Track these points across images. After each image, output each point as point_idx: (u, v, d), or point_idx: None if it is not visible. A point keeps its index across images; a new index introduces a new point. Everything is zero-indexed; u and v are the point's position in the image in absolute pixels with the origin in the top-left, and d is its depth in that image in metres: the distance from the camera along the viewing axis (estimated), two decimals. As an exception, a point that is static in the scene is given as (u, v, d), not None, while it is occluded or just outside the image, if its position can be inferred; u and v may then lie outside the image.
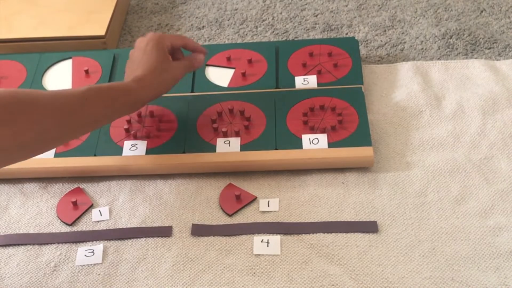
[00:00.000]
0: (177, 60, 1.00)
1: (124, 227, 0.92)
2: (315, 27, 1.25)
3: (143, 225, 0.92)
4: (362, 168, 0.96)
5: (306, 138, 0.97)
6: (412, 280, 0.82)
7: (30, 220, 0.94)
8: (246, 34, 1.25)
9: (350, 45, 1.13)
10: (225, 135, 0.99)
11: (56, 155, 0.99)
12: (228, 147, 0.98)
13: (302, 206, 0.92)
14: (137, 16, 1.32)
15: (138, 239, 0.90)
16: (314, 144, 0.97)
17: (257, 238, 0.88)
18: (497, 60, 1.13)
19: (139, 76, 0.93)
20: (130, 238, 0.90)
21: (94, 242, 0.90)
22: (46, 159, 0.99)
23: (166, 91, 0.96)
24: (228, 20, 1.29)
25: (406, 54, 1.16)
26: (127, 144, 1.00)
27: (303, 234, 0.88)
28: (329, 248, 0.86)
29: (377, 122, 1.02)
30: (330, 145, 0.96)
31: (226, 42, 1.23)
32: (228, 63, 1.13)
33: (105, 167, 0.98)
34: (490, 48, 1.15)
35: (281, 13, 1.29)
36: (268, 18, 1.28)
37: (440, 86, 1.07)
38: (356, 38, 1.18)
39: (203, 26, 1.28)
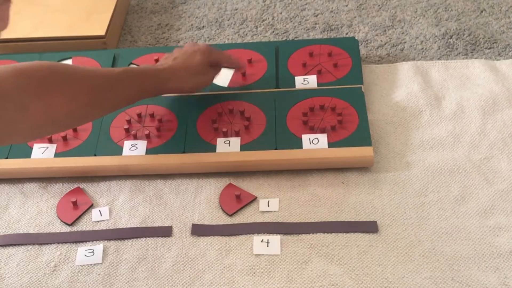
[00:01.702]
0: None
1: (124, 227, 0.92)
2: (315, 27, 1.25)
3: (143, 225, 0.92)
4: (362, 168, 0.96)
5: (306, 138, 0.97)
6: (412, 280, 0.82)
7: (30, 220, 0.94)
8: (246, 34, 1.25)
9: (350, 45, 1.13)
10: (225, 135, 0.99)
11: (56, 155, 0.99)
12: (228, 147, 0.98)
13: (302, 206, 0.92)
14: (137, 16, 1.32)
15: (138, 239, 0.90)
16: (314, 144, 0.97)
17: (257, 238, 0.88)
18: (497, 60, 1.13)
19: (173, 66, 0.98)
20: (130, 238, 0.90)
21: (94, 242, 0.90)
22: (46, 159, 0.99)
23: (193, 90, 1.02)
24: (228, 20, 1.29)
25: (406, 54, 1.16)
26: (127, 144, 1.00)
27: (303, 234, 0.88)
28: (329, 248, 0.86)
29: (377, 122, 1.02)
30: (330, 145, 0.96)
31: (226, 42, 1.23)
32: (228, 63, 1.13)
33: (105, 167, 0.98)
34: (490, 48, 1.15)
35: (281, 13, 1.29)
36: (268, 18, 1.28)
37: (440, 86, 1.07)
38: (356, 38, 1.18)
39: (203, 26, 1.28)
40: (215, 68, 1.04)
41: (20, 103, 0.78)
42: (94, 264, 0.88)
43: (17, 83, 0.79)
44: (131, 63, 1.14)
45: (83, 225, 0.93)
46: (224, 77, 1.10)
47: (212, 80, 1.04)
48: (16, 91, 0.78)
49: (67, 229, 0.93)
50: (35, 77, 0.81)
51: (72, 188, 0.98)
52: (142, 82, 0.94)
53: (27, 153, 1.00)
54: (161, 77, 0.96)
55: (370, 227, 0.88)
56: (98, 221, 0.93)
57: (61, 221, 0.94)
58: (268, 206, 0.92)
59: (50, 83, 0.83)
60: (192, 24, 1.29)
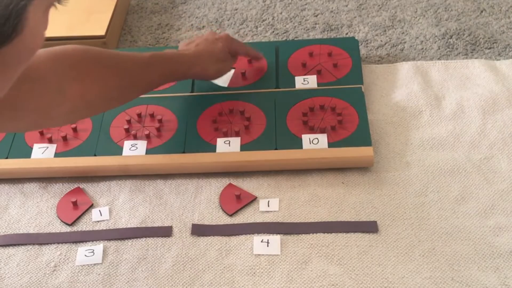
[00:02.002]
0: None
1: (124, 227, 0.92)
2: (315, 27, 1.25)
3: (143, 225, 0.92)
4: (362, 168, 0.96)
5: (306, 138, 0.97)
6: (412, 280, 0.81)
7: (30, 220, 0.94)
8: (246, 34, 1.25)
9: (350, 45, 1.13)
10: (225, 135, 0.99)
11: (56, 155, 0.99)
12: (228, 147, 0.98)
13: (302, 206, 0.92)
14: (137, 16, 1.32)
15: (138, 239, 0.90)
16: (314, 144, 0.97)
17: (257, 238, 0.88)
18: (497, 60, 1.13)
19: (198, 51, 1.00)
20: (130, 238, 0.90)
21: (94, 242, 0.90)
22: (46, 159, 0.99)
23: (215, 76, 1.04)
24: (228, 20, 1.29)
25: (406, 54, 1.16)
26: (127, 144, 1.00)
27: (303, 234, 0.88)
28: (329, 248, 0.86)
29: (377, 122, 1.02)
30: (330, 145, 0.96)
31: (226, 42, 1.23)
32: (228, 63, 1.13)
33: (105, 167, 0.98)
34: (490, 48, 1.15)
35: (281, 13, 1.29)
36: (268, 18, 1.28)
37: (440, 86, 1.07)
38: (356, 38, 1.18)
39: (203, 26, 1.28)
40: (233, 57, 1.06)
41: (57, 86, 0.80)
42: (94, 264, 0.88)
43: (53, 67, 0.81)
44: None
45: (83, 225, 0.93)
46: (224, 77, 1.10)
47: (230, 68, 1.06)
48: (53, 74, 0.80)
49: (67, 229, 0.93)
50: (70, 60, 0.84)
51: (72, 188, 0.98)
52: (168, 66, 0.96)
53: (27, 153, 1.00)
54: (187, 62, 0.98)
55: (370, 227, 0.88)
56: (98, 221, 0.93)
57: (61, 221, 0.94)
58: (268, 206, 0.92)
59: (84, 66, 0.85)
60: (192, 24, 1.29)
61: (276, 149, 0.97)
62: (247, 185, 0.96)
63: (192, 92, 1.08)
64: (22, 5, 0.53)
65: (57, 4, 0.62)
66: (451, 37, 1.18)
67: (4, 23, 0.52)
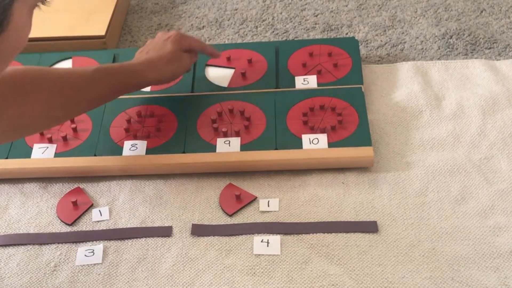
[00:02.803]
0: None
1: (124, 227, 0.92)
2: (315, 27, 1.25)
3: (143, 225, 0.92)
4: (362, 168, 0.96)
5: (306, 138, 0.97)
6: (412, 280, 0.81)
7: (30, 220, 0.94)
8: (246, 34, 1.25)
9: (350, 45, 1.13)
10: (225, 135, 0.99)
11: (56, 155, 0.99)
12: (228, 147, 0.98)
13: (302, 206, 0.92)
14: (137, 16, 1.32)
15: (138, 239, 0.90)
16: (314, 144, 0.97)
17: (257, 238, 0.88)
18: (497, 60, 1.13)
19: (148, 58, 0.98)
20: (130, 238, 0.90)
21: (94, 242, 0.90)
22: (46, 159, 0.99)
23: (172, 77, 1.02)
24: (228, 20, 1.29)
25: (406, 54, 1.16)
26: (127, 144, 1.00)
27: (303, 234, 0.88)
28: (329, 248, 0.86)
29: (377, 122, 1.02)
30: (330, 145, 0.96)
31: (226, 42, 1.23)
32: (228, 63, 1.13)
33: (105, 167, 0.98)
34: (490, 48, 1.15)
35: (281, 13, 1.29)
36: (268, 18, 1.28)
37: (440, 86, 1.07)
38: (356, 38, 1.18)
39: (203, 26, 1.28)
40: (190, 53, 1.04)
41: None
42: (94, 264, 0.88)
43: None
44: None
45: (83, 225, 0.93)
46: (224, 77, 1.10)
47: (189, 65, 1.04)
48: None
49: (67, 229, 0.93)
50: (8, 83, 0.83)
51: (72, 188, 0.98)
52: (117, 79, 0.95)
53: (27, 153, 1.00)
54: (137, 71, 0.97)
55: (370, 227, 0.88)
56: (98, 221, 0.93)
57: (61, 221, 0.94)
58: (268, 206, 0.92)
59: (24, 87, 0.84)
60: (192, 24, 1.29)
61: (276, 149, 0.97)
62: (247, 185, 0.96)
63: (192, 92, 1.08)
64: (8, 1, 0.54)
65: (41, 5, 0.62)
66: (451, 37, 1.18)
67: None
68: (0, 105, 0.81)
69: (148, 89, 1.08)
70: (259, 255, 0.86)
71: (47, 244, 0.91)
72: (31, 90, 0.85)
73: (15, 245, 0.91)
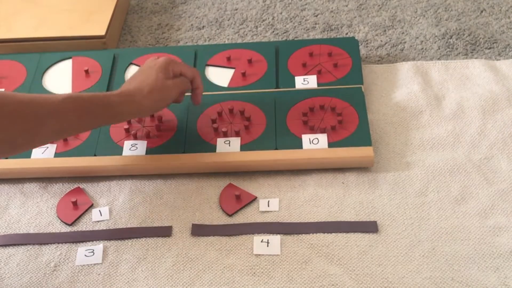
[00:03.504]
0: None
1: (124, 227, 0.92)
2: (315, 27, 1.25)
3: (143, 225, 0.92)
4: (362, 168, 0.96)
5: (306, 138, 0.97)
6: (412, 280, 0.81)
7: (30, 220, 0.94)
8: (246, 34, 1.25)
9: (350, 45, 1.13)
10: (225, 135, 0.99)
11: (56, 155, 0.99)
12: (228, 147, 0.98)
13: (302, 206, 0.92)
14: (137, 16, 1.32)
15: (138, 239, 0.90)
16: (314, 144, 0.97)
17: (257, 238, 0.88)
18: (497, 60, 1.13)
19: (126, 90, 0.91)
20: (130, 238, 0.90)
21: (94, 242, 0.90)
22: (46, 159, 0.99)
23: (154, 109, 0.95)
24: (228, 20, 1.29)
25: (406, 54, 1.16)
26: (127, 144, 1.00)
27: (303, 234, 0.88)
28: (329, 248, 0.86)
29: (377, 122, 1.02)
30: (330, 145, 0.96)
31: (226, 42, 1.23)
32: (228, 63, 1.13)
33: (105, 167, 0.98)
34: (490, 48, 1.15)
35: (281, 13, 1.29)
36: (268, 18, 1.28)
37: (440, 86, 1.07)
38: (356, 38, 1.18)
39: (203, 26, 1.28)
40: (177, 81, 0.95)
41: None
42: (94, 264, 0.88)
43: None
44: (131, 63, 1.14)
45: (83, 225, 0.93)
46: (224, 77, 1.10)
47: (175, 95, 0.95)
48: None
49: (67, 229, 0.93)
50: None
51: (72, 188, 0.98)
52: (88, 111, 0.86)
53: (27, 153, 1.00)
54: (112, 104, 0.89)
55: (370, 227, 0.88)
56: (98, 221, 0.93)
57: (61, 221, 0.94)
58: (268, 206, 0.92)
59: None
60: (192, 24, 1.29)
61: (276, 149, 0.97)
62: (247, 185, 0.96)
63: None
64: None
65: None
66: (451, 37, 1.18)
67: None
68: None
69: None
70: (259, 255, 0.86)
71: (47, 244, 0.91)
72: None
73: (15, 245, 0.91)
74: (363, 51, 1.17)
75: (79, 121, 0.86)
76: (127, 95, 0.90)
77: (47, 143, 0.92)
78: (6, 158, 0.99)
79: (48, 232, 0.92)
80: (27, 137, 0.82)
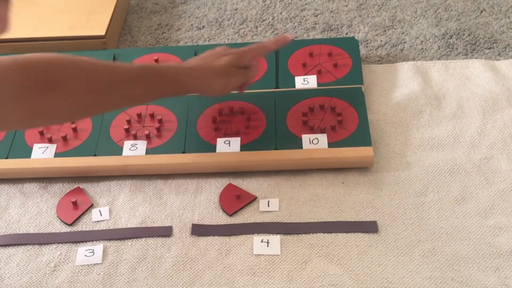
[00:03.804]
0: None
1: (124, 227, 0.92)
2: (315, 27, 1.25)
3: (143, 225, 0.92)
4: (362, 168, 0.96)
5: (306, 138, 0.97)
6: (412, 280, 0.81)
7: (30, 220, 0.94)
8: (246, 34, 1.25)
9: (350, 45, 1.13)
10: (225, 135, 0.99)
11: (56, 155, 0.99)
12: (228, 147, 0.98)
13: (302, 206, 0.92)
14: (137, 16, 1.32)
15: (138, 239, 0.90)
16: (314, 144, 0.97)
17: (257, 238, 0.88)
18: (497, 60, 1.13)
19: (197, 65, 0.94)
20: (130, 238, 0.90)
21: (94, 242, 0.90)
22: (46, 159, 0.99)
23: (221, 91, 0.96)
24: (228, 20, 1.29)
25: (406, 54, 1.16)
26: (127, 144, 1.00)
27: (303, 234, 0.88)
28: (329, 248, 0.86)
29: (377, 122, 1.02)
30: (330, 145, 0.96)
31: (226, 42, 1.23)
32: (228, 63, 1.12)
33: (105, 167, 0.98)
34: (490, 48, 1.15)
35: (281, 13, 1.29)
36: (268, 18, 1.28)
37: (440, 86, 1.07)
38: (356, 38, 1.18)
39: (203, 26, 1.28)
40: (246, 70, 0.97)
41: (16, 96, 0.76)
42: (94, 264, 0.88)
43: (15, 75, 0.76)
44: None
45: (83, 225, 0.93)
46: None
47: (240, 82, 0.97)
48: (10, 83, 0.76)
49: (67, 229, 0.93)
50: (36, 70, 0.78)
51: (72, 188, 0.98)
52: (158, 81, 0.90)
53: (27, 153, 1.00)
54: (181, 76, 0.92)
55: (370, 227, 0.88)
56: (98, 221, 0.93)
57: (61, 221, 0.94)
58: (268, 206, 0.92)
59: (53, 78, 0.79)
60: (192, 24, 1.29)
61: (276, 149, 0.97)
62: (247, 185, 0.96)
63: (192, 92, 1.08)
64: None
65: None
66: (451, 37, 1.18)
67: None
68: (22, 93, 0.77)
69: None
70: (259, 255, 0.86)
71: (47, 244, 0.91)
72: (60, 81, 0.80)
73: (15, 245, 0.91)
74: (363, 51, 1.17)
75: (146, 93, 0.89)
76: (196, 70, 0.93)
77: (114, 110, 0.96)
78: (6, 158, 0.99)
79: (48, 232, 0.92)
80: (90, 107, 0.85)
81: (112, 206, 0.95)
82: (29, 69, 0.78)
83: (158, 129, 1.02)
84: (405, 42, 1.18)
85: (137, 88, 0.88)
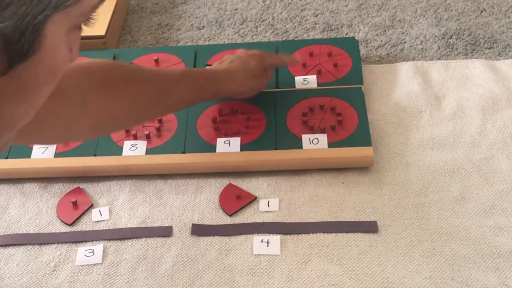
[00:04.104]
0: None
1: (124, 227, 0.92)
2: (315, 27, 1.25)
3: (143, 225, 0.92)
4: (362, 168, 0.96)
5: (306, 138, 0.97)
6: (412, 280, 0.81)
7: (30, 220, 0.94)
8: (246, 34, 1.25)
9: (350, 45, 1.13)
10: (225, 135, 0.99)
11: (56, 155, 0.99)
12: (228, 147, 0.98)
13: (302, 206, 0.92)
14: (137, 16, 1.32)
15: (138, 239, 0.90)
16: (314, 144, 0.97)
17: (257, 238, 0.88)
18: (497, 60, 1.13)
19: (231, 68, 0.97)
20: (130, 238, 0.90)
21: (94, 242, 0.90)
22: (46, 159, 0.99)
23: (249, 93, 1.00)
24: (228, 20, 1.29)
25: (406, 54, 1.16)
26: (127, 144, 1.00)
27: (303, 234, 0.88)
28: (329, 248, 0.86)
29: (377, 122, 1.02)
30: (330, 145, 0.96)
31: (226, 42, 1.23)
32: (228, 63, 1.12)
33: (105, 167, 0.98)
34: (490, 48, 1.15)
35: (281, 13, 1.29)
36: (268, 18, 1.28)
37: (440, 86, 1.07)
38: (356, 38, 1.18)
39: (203, 26, 1.28)
40: (268, 72, 1.02)
41: (80, 102, 0.79)
42: (94, 264, 0.88)
43: (78, 81, 0.79)
44: (131, 63, 1.14)
45: (83, 225, 0.93)
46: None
47: (266, 84, 1.03)
48: (76, 90, 0.79)
49: (67, 229, 0.93)
50: (97, 76, 0.82)
51: (72, 188, 0.98)
52: (201, 84, 0.94)
53: (27, 153, 1.00)
54: (220, 79, 0.96)
55: (370, 227, 0.88)
56: (98, 221, 0.93)
57: (61, 221, 0.94)
58: (268, 206, 0.92)
59: (112, 82, 0.83)
60: (192, 24, 1.29)
61: (276, 149, 0.97)
62: (247, 185, 0.96)
63: (192, 92, 1.08)
64: (40, 19, 0.49)
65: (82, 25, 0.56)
66: (451, 37, 1.18)
67: (19, 37, 0.49)
68: (85, 99, 0.80)
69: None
70: (259, 255, 0.86)
71: (47, 244, 0.91)
72: (118, 86, 0.84)
73: (15, 245, 0.91)
74: (363, 51, 1.17)
75: (191, 95, 0.93)
76: (233, 73, 0.97)
77: (162, 116, 0.99)
78: (6, 158, 0.99)
79: (48, 232, 0.92)
80: (150, 109, 0.89)
81: (112, 206, 0.95)
82: (93, 74, 0.81)
83: (158, 129, 1.02)
84: (405, 42, 1.18)
85: (185, 89, 0.92)
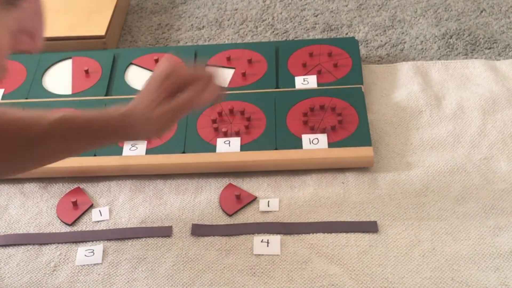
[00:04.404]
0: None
1: (124, 227, 0.92)
2: (315, 27, 1.25)
3: (143, 225, 0.92)
4: (362, 168, 0.96)
5: (306, 138, 0.97)
6: (412, 280, 0.81)
7: (30, 220, 0.94)
8: (246, 34, 1.25)
9: (350, 45, 1.13)
10: (225, 135, 0.99)
11: (56, 155, 0.99)
12: (228, 147, 0.98)
13: (302, 206, 0.92)
14: (137, 16, 1.32)
15: (138, 239, 0.90)
16: (314, 144, 0.97)
17: (257, 238, 0.88)
18: (497, 60, 1.13)
19: (129, 109, 0.79)
20: (130, 238, 0.90)
21: (94, 242, 0.90)
22: (46, 159, 0.99)
23: (155, 136, 0.84)
24: (228, 20, 1.29)
25: (406, 54, 1.16)
26: (127, 144, 1.00)
27: (303, 234, 0.88)
28: (329, 248, 0.86)
29: (377, 122, 1.02)
30: (330, 145, 0.96)
31: (226, 42, 1.24)
32: (228, 63, 1.13)
33: (105, 167, 0.98)
34: (490, 48, 1.15)
35: (281, 13, 1.29)
36: (268, 18, 1.28)
37: (440, 86, 1.07)
38: (356, 38, 1.18)
39: (203, 26, 1.28)
40: (176, 105, 0.79)
41: None
42: (94, 264, 0.88)
43: None
44: (131, 63, 1.14)
45: (83, 225, 0.93)
46: (224, 77, 1.10)
47: (171, 121, 0.81)
48: None
49: (67, 229, 0.93)
50: None
51: (72, 188, 0.98)
52: (85, 132, 0.78)
53: (27, 153, 1.00)
54: (115, 125, 0.78)
55: (370, 227, 0.88)
56: (98, 221, 0.93)
57: (61, 221, 0.94)
58: (268, 206, 0.92)
59: None
60: (192, 24, 1.29)
61: (276, 149, 0.97)
62: (247, 185, 0.96)
63: (192, 92, 1.08)
64: None
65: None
66: (451, 37, 1.18)
67: None
68: None
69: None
70: (259, 255, 0.86)
71: (47, 244, 0.91)
72: None
73: (15, 245, 0.91)
74: (363, 51, 1.17)
75: (79, 144, 0.79)
76: (130, 115, 0.78)
77: (30, 170, 0.84)
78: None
79: (48, 232, 0.92)
80: (8, 165, 0.77)
81: (112, 206, 0.95)
82: None
83: (158, 129, 1.02)
84: (405, 42, 1.18)
85: (65, 141, 0.77)
